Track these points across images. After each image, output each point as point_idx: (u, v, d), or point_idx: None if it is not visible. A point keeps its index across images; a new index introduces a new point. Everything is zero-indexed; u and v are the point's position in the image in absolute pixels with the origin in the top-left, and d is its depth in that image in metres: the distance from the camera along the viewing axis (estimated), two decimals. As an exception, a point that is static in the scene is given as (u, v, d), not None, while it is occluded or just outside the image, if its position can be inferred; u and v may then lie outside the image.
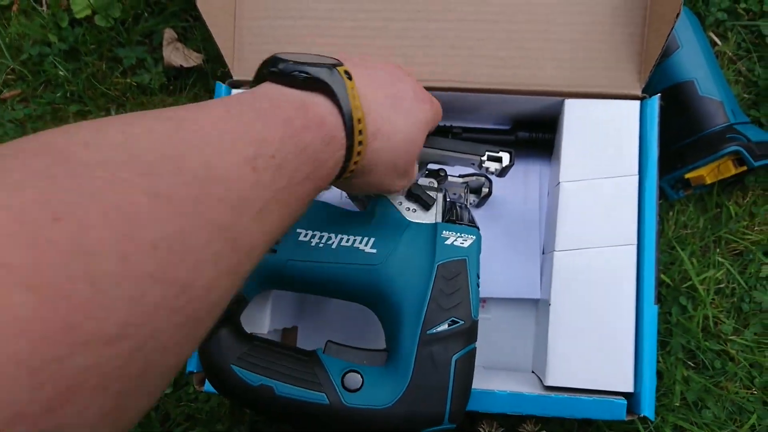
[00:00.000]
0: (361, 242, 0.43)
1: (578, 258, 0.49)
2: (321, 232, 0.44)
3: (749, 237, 0.58)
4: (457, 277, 0.43)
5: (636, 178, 0.49)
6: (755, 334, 0.57)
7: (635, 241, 0.48)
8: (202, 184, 0.21)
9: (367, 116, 0.31)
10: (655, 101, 0.49)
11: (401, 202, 0.45)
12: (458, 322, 0.42)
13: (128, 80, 0.66)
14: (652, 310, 0.47)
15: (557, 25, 0.50)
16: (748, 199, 0.59)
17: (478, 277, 0.44)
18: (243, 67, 0.55)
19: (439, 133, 0.47)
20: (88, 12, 0.66)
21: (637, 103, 0.50)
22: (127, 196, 0.19)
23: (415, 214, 0.45)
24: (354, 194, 0.47)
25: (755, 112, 0.60)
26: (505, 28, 0.50)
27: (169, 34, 0.66)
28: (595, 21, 0.50)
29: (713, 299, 0.58)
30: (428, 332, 0.41)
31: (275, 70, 0.30)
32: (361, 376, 0.41)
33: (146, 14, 0.66)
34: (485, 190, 0.54)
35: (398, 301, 0.43)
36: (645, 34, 0.49)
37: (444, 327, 0.42)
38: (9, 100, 0.67)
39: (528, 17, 0.50)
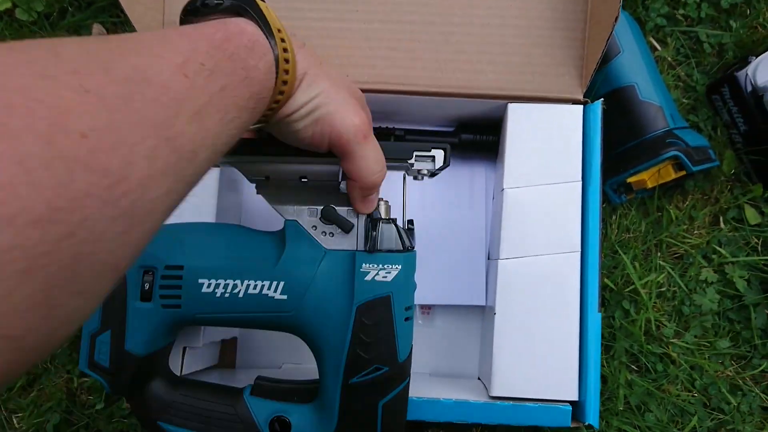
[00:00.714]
0: (269, 288, 0.39)
1: (523, 266, 0.48)
2: (225, 280, 0.39)
3: (689, 240, 0.59)
4: (379, 322, 0.38)
5: (580, 184, 0.48)
6: (695, 336, 0.58)
7: (579, 249, 0.48)
8: (133, 84, 0.23)
9: (290, 37, 0.33)
10: (598, 106, 0.49)
11: (316, 226, 0.40)
12: (382, 369, 0.39)
13: (53, 78, 0.62)
14: (595, 318, 0.47)
15: (495, 27, 0.49)
16: (687, 203, 0.60)
17: (408, 309, 0.40)
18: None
19: (381, 135, 0.45)
20: (8, 5, 0.62)
21: (581, 107, 0.49)
22: (54, 90, 0.20)
23: (333, 239, 0.39)
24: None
25: (693, 116, 0.61)
26: (444, 30, 0.48)
27: (97, 29, 0.62)
28: (535, 25, 0.49)
29: (655, 303, 0.58)
30: (351, 381, 0.39)
31: (191, 8, 0.32)
32: (289, 422, 0.40)
33: (72, 9, 0.62)
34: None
35: (317, 347, 0.40)
36: (585, 38, 0.49)
37: (368, 376, 0.39)
38: None
39: (465, 20, 0.49)
